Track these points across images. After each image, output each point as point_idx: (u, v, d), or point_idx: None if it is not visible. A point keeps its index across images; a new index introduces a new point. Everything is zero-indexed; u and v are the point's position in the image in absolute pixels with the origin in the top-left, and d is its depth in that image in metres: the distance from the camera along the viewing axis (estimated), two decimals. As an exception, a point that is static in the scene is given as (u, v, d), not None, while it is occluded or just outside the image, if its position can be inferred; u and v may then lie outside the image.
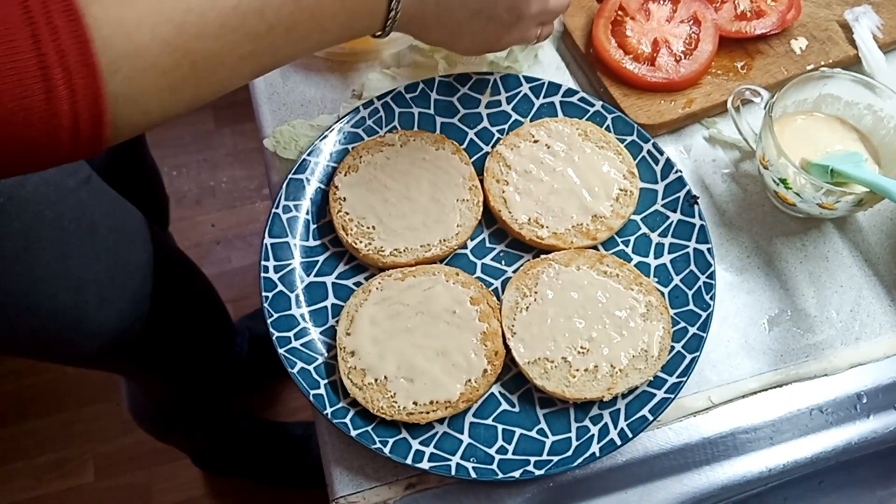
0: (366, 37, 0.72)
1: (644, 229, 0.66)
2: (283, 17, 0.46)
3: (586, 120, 0.69)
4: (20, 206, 0.65)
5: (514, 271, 0.64)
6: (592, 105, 0.70)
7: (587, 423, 0.58)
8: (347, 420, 0.57)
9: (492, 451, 0.57)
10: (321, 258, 0.64)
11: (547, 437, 0.57)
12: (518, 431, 0.58)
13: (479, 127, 0.70)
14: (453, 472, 0.55)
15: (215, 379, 1.19)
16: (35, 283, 0.69)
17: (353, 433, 0.56)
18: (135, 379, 1.09)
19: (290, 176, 0.66)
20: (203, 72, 0.44)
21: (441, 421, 0.58)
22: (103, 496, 1.55)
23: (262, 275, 0.62)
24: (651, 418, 0.57)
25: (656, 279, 0.63)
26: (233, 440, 1.41)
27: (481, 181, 0.67)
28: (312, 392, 0.58)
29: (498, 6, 0.55)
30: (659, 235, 0.65)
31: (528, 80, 0.71)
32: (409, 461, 0.55)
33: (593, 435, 0.57)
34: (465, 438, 0.57)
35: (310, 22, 0.47)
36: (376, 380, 0.57)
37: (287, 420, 1.59)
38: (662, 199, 0.66)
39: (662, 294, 0.62)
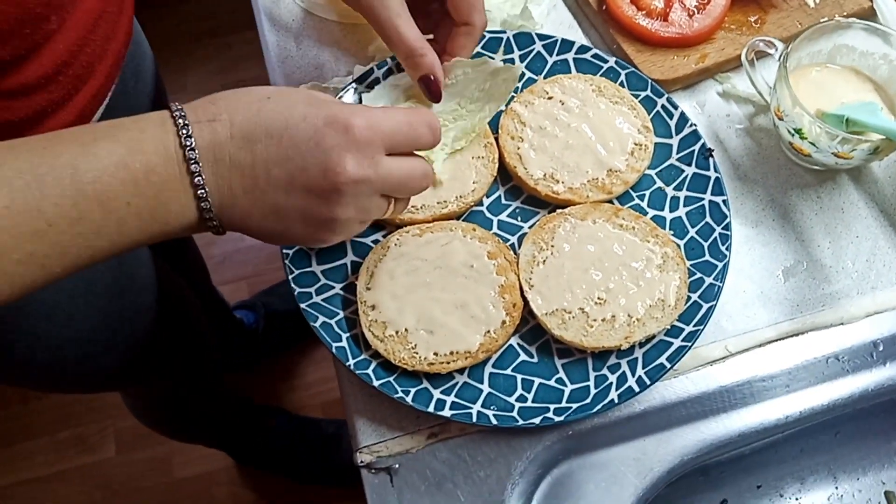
0: None
1: (659, 183, 0.66)
2: (64, 209, 0.41)
3: (600, 76, 0.69)
4: None
5: (531, 227, 0.65)
6: (606, 61, 0.70)
7: (605, 371, 0.58)
8: (370, 371, 0.58)
9: (511, 400, 0.58)
10: (339, 216, 0.65)
11: (566, 385, 0.58)
12: (537, 381, 0.59)
13: (493, 85, 0.70)
14: (474, 420, 0.56)
15: (218, 377, 1.20)
16: (34, 338, 0.70)
17: (376, 383, 0.57)
18: (136, 394, 1.10)
19: (306, 136, 0.67)
20: None
21: (461, 371, 0.59)
22: (124, 470, 1.58)
23: (282, 232, 0.63)
24: (668, 366, 0.58)
25: (672, 232, 0.64)
26: (262, 436, 1.42)
27: (496, 139, 0.67)
28: (335, 345, 0.59)
29: (308, 170, 0.47)
30: (674, 189, 0.66)
31: (541, 37, 0.71)
32: (430, 409, 0.56)
33: (611, 383, 0.58)
34: (486, 388, 0.58)
35: (100, 213, 0.42)
36: (397, 332, 0.58)
37: (303, 394, 1.62)
38: (677, 153, 0.67)
39: (678, 246, 0.63)
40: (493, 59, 0.69)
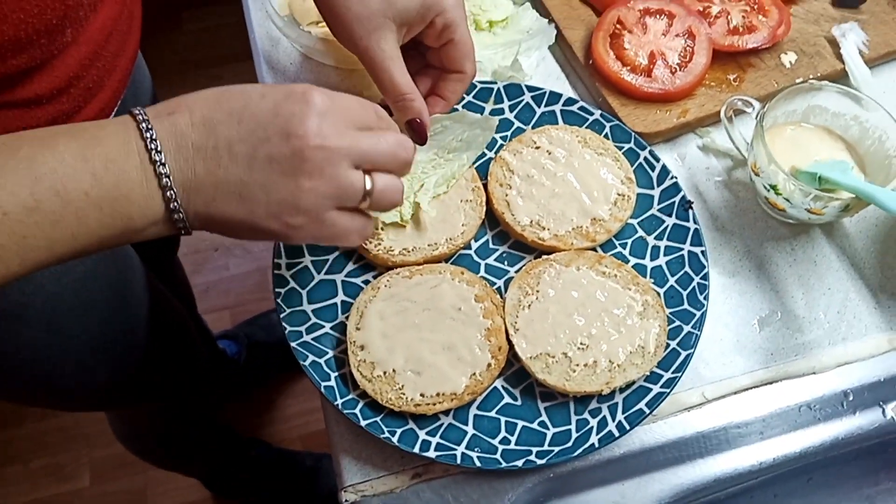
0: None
1: (641, 232, 0.69)
2: (20, 197, 0.41)
3: (586, 128, 0.72)
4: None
5: (517, 271, 0.67)
6: (591, 114, 0.73)
7: (586, 415, 0.60)
8: (357, 411, 0.59)
9: (495, 442, 0.59)
10: (331, 257, 0.67)
11: (548, 428, 0.60)
12: (520, 423, 0.60)
13: (483, 133, 0.73)
14: (459, 461, 0.57)
15: (205, 404, 1.20)
16: (33, 350, 0.71)
17: (363, 423, 0.58)
18: (121, 415, 1.09)
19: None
20: None
21: (447, 413, 0.60)
22: (99, 501, 1.56)
23: (275, 272, 0.64)
24: (647, 411, 0.59)
25: (652, 280, 0.66)
26: (242, 468, 1.42)
27: (485, 185, 0.70)
28: (324, 384, 0.60)
29: (270, 139, 0.46)
30: (655, 238, 0.68)
31: (531, 89, 0.74)
32: (416, 450, 0.57)
33: (592, 427, 0.59)
34: (470, 430, 0.60)
35: (57, 202, 0.42)
36: (385, 372, 0.60)
37: (281, 427, 1.61)
38: (658, 203, 0.69)
39: (658, 294, 0.65)
40: (483, 106, 0.72)
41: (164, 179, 0.45)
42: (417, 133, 0.62)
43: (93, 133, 0.45)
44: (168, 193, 0.46)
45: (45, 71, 0.55)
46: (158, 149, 0.45)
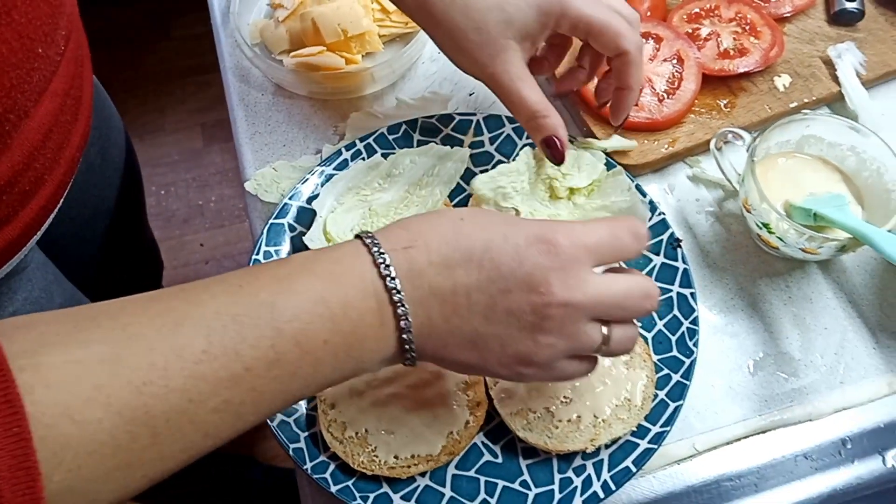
0: (347, 72, 0.72)
1: (627, 273, 0.65)
2: (262, 350, 0.39)
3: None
4: None
5: (497, 317, 0.64)
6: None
7: (570, 473, 0.57)
8: (327, 475, 0.56)
9: (474, 505, 0.56)
10: (302, 305, 0.64)
11: (530, 489, 0.57)
12: (501, 483, 0.57)
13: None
14: (435, 528, 0.55)
15: None
16: None
17: (334, 489, 0.55)
18: None
19: (270, 221, 0.66)
20: (167, 438, 0.37)
21: (423, 474, 0.57)
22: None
23: (242, 324, 0.61)
24: (634, 470, 0.56)
25: (640, 324, 0.63)
26: (236, 488, 1.40)
27: (464, 224, 0.66)
28: (293, 446, 0.57)
29: (511, 292, 0.44)
30: (642, 279, 0.65)
31: (511, 120, 0.71)
32: (390, 517, 0.55)
33: (576, 487, 0.56)
34: (448, 491, 0.57)
35: (297, 353, 0.40)
36: (357, 433, 0.57)
37: (274, 442, 1.59)
38: (646, 241, 0.66)
39: (646, 340, 0.62)
40: (462, 139, 0.69)
41: (404, 321, 0.43)
42: (553, 152, 0.59)
43: (329, 269, 0.42)
44: (405, 336, 0.43)
45: None
46: (399, 289, 0.43)
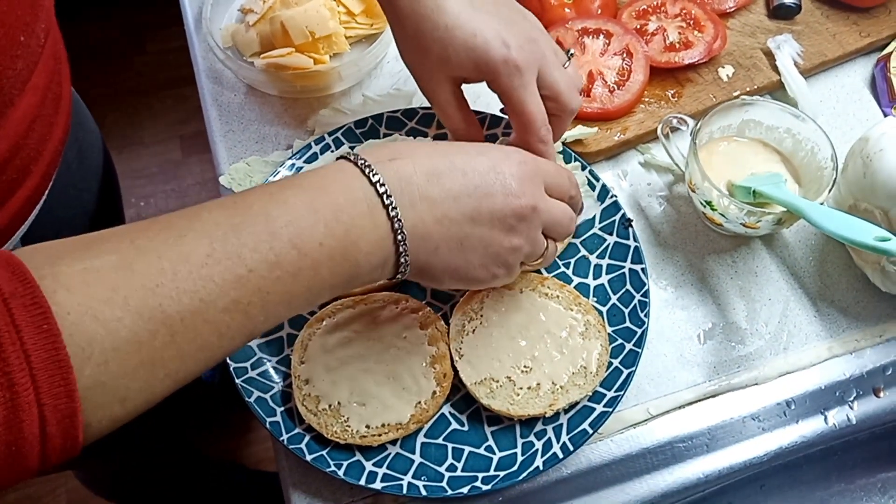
0: (316, 71, 0.76)
1: (583, 252, 0.70)
2: (262, 253, 0.42)
3: (527, 150, 0.73)
4: None
5: (461, 296, 0.67)
6: (533, 135, 0.74)
7: (532, 438, 0.61)
8: (303, 445, 0.59)
9: (441, 469, 0.60)
10: (276, 290, 0.67)
11: (494, 453, 0.61)
12: (467, 449, 0.61)
13: (426, 159, 0.73)
14: (405, 491, 0.58)
15: (178, 440, 1.18)
16: None
17: (309, 458, 0.59)
18: (90, 467, 1.06)
19: (244, 212, 0.69)
20: (184, 336, 0.39)
21: (393, 442, 0.61)
22: (76, 530, 1.55)
23: (219, 308, 0.65)
24: (591, 431, 0.60)
25: (595, 299, 0.67)
26: (220, 493, 1.41)
27: (429, 211, 0.70)
28: (269, 420, 0.60)
29: (493, 196, 0.50)
30: (597, 257, 0.69)
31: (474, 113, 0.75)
32: (362, 482, 0.58)
33: (537, 449, 0.60)
34: (417, 458, 0.60)
35: (295, 255, 0.43)
36: (330, 406, 0.60)
37: (258, 448, 1.61)
38: (599, 222, 0.70)
39: (601, 313, 0.66)
40: (426, 132, 0.72)
41: (397, 223, 0.47)
42: None
43: (316, 184, 0.46)
44: (399, 237, 0.47)
45: None
46: (389, 193, 0.47)
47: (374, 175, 0.47)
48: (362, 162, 0.48)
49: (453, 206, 0.49)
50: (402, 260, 0.48)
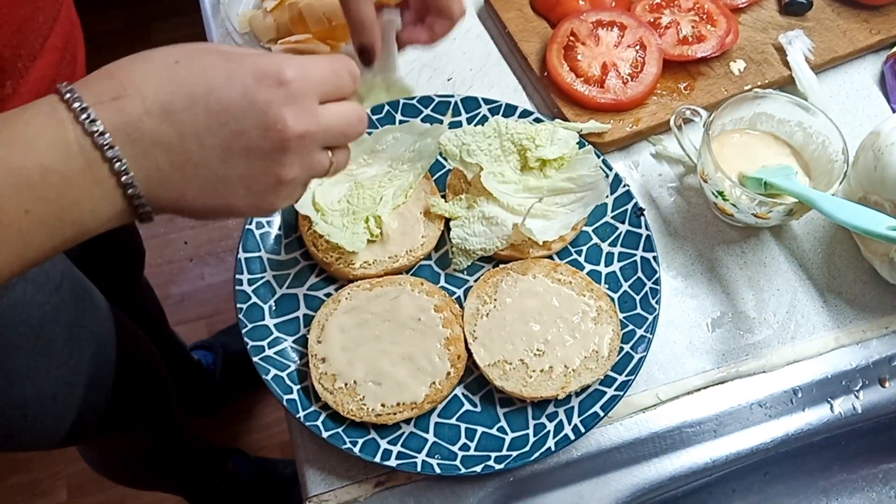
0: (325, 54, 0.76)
1: (595, 239, 0.71)
2: None
3: (541, 138, 0.74)
4: None
5: (475, 280, 0.68)
6: (547, 124, 0.75)
7: (543, 420, 0.62)
8: (319, 423, 0.60)
9: (455, 449, 0.61)
10: (293, 271, 0.68)
11: (506, 434, 0.61)
12: (480, 429, 0.62)
13: (441, 146, 0.74)
14: (419, 469, 0.59)
15: (177, 424, 1.19)
16: None
17: (325, 434, 0.59)
18: (92, 445, 1.07)
19: (262, 194, 0.70)
20: None
21: (408, 421, 0.61)
22: (76, 516, 1.55)
23: (237, 288, 0.66)
24: (602, 414, 0.61)
25: (607, 286, 0.68)
26: (220, 479, 1.42)
27: (443, 196, 0.71)
28: (286, 397, 0.61)
29: (247, 132, 0.42)
30: (609, 245, 0.70)
31: (487, 101, 0.76)
32: (377, 460, 0.59)
33: (549, 431, 0.61)
34: (431, 437, 0.61)
35: None
36: (346, 384, 0.61)
37: (260, 435, 1.62)
38: (612, 211, 0.71)
39: (612, 299, 0.67)
40: (441, 119, 0.73)
41: (124, 177, 0.40)
42: (363, 57, 0.58)
43: (18, 135, 0.39)
44: (130, 192, 0.41)
45: None
46: (111, 144, 0.39)
47: (91, 123, 0.39)
48: (78, 105, 0.39)
49: (196, 150, 0.42)
50: (142, 209, 0.42)
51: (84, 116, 0.39)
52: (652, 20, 0.82)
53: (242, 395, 1.63)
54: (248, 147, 0.43)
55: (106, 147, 0.39)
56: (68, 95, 0.39)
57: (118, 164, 0.40)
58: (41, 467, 1.60)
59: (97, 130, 0.39)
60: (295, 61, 0.44)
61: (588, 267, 0.69)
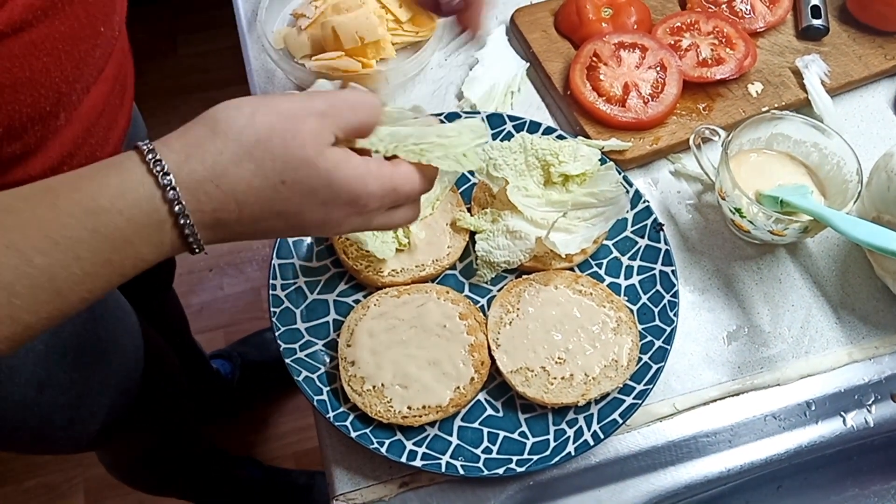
0: (364, 74, 0.79)
1: (615, 253, 0.73)
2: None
3: (563, 155, 0.76)
4: None
5: (499, 290, 0.71)
6: (569, 141, 0.77)
7: (564, 426, 0.64)
8: (348, 423, 0.63)
9: (478, 452, 0.63)
10: (323, 278, 0.71)
11: (528, 438, 0.64)
12: (501, 434, 0.64)
13: (467, 160, 0.77)
14: (443, 470, 0.61)
15: (194, 431, 1.22)
16: (22, 406, 0.71)
17: (353, 434, 0.62)
18: (110, 449, 1.09)
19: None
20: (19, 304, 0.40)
21: (432, 424, 0.64)
22: (93, 520, 1.57)
23: (271, 292, 0.68)
24: (621, 421, 0.63)
25: (626, 298, 0.70)
26: (234, 487, 1.43)
27: (468, 208, 0.74)
28: (316, 398, 0.63)
29: (307, 228, 0.47)
30: (628, 259, 0.72)
31: (512, 118, 0.78)
32: (403, 460, 0.61)
33: (569, 437, 0.63)
34: (454, 440, 0.63)
35: (47, 243, 0.40)
36: (374, 387, 0.63)
37: (275, 445, 1.64)
38: (632, 226, 0.74)
39: (631, 311, 0.69)
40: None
41: (188, 232, 0.43)
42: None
43: (120, 232, 0.41)
44: (186, 233, 0.43)
45: (39, 153, 0.55)
46: (198, 239, 0.43)
47: (193, 238, 0.43)
48: (179, 209, 0.42)
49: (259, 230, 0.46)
50: (192, 239, 0.44)
51: (188, 233, 0.43)
52: (672, 43, 0.84)
53: (259, 405, 1.65)
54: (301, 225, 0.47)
55: (193, 244, 0.43)
56: (178, 208, 0.42)
57: (186, 225, 0.43)
58: (58, 471, 1.62)
59: (195, 239, 0.43)
60: (378, 195, 0.47)
61: (608, 279, 0.72)
